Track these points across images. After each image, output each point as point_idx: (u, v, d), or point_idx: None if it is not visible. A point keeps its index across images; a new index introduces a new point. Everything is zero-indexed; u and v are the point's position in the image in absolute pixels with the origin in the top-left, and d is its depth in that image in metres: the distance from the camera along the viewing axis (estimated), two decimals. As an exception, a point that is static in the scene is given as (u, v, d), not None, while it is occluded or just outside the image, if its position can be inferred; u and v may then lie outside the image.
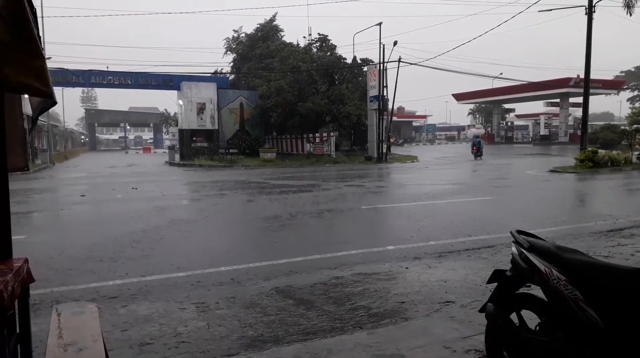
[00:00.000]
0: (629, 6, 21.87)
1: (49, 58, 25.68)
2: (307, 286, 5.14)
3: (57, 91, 40.12)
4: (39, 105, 2.76)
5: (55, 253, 6.85)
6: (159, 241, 7.65)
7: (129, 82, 34.59)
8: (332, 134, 31.50)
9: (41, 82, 2.07)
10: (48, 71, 2.13)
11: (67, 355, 2.23)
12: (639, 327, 2.15)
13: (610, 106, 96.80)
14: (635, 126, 24.20)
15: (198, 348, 3.69)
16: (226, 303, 4.69)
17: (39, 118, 3.02)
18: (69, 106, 60.46)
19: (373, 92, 30.37)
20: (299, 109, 31.04)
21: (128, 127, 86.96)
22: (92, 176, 22.44)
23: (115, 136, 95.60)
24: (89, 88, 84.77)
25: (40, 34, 2.26)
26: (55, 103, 2.46)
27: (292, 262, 6.12)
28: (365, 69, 33.65)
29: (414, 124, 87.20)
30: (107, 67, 33.77)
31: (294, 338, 3.82)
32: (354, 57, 35.36)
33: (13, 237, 2.59)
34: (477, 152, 30.56)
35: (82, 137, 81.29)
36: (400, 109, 70.62)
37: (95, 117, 78.24)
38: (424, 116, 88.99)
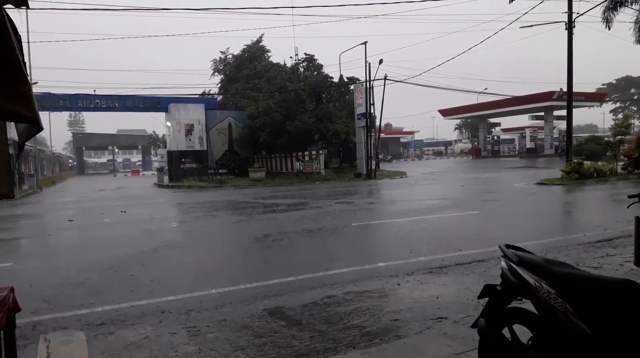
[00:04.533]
0: (607, 20, 22.38)
1: (35, 83, 25.57)
2: (298, 307, 5.10)
3: (44, 115, 39.94)
4: (25, 131, 2.75)
5: (43, 280, 6.74)
6: (148, 265, 7.56)
7: (117, 106, 34.51)
8: (320, 152, 31.60)
9: (27, 108, 2.07)
10: (34, 97, 2.13)
11: (54, 386, 2.18)
12: (628, 338, 2.16)
13: (594, 118, 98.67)
14: (619, 137, 24.59)
15: (189, 373, 3.63)
16: (217, 326, 4.63)
17: (25, 144, 3.00)
18: (56, 130, 60.14)
19: (360, 109, 30.64)
20: (288, 128, 31.15)
21: (116, 150, 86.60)
22: (80, 201, 22.22)
23: (103, 159, 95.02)
24: (76, 112, 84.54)
25: (26, 59, 2.27)
26: (41, 129, 2.46)
27: (283, 282, 6.08)
28: (352, 87, 33.99)
29: (402, 140, 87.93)
30: (95, 91, 33.71)
31: (287, 360, 3.78)
32: (341, 76, 35.72)
33: (-1, 266, 2.55)
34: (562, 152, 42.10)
35: (70, 161, 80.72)
36: (388, 125, 71.27)
37: (82, 141, 77.87)
38: (412, 132, 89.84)
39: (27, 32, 25.66)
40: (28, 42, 25.54)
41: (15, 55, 2.02)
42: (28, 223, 14.81)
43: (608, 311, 2.22)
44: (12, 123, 2.61)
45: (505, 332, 2.78)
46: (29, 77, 2.14)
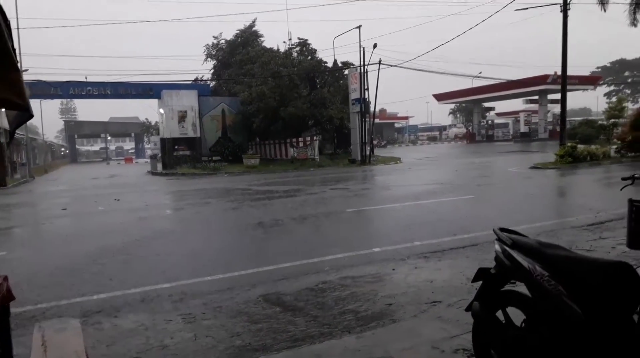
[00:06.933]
0: (602, 2, 22.30)
1: (25, 70, 25.27)
2: (294, 292, 5.12)
3: (35, 103, 39.56)
4: (15, 118, 2.73)
5: (37, 269, 6.73)
6: (142, 252, 7.56)
7: (109, 92, 34.15)
8: (315, 138, 31.51)
9: (17, 95, 2.04)
10: (24, 83, 2.11)
11: (50, 373, 2.18)
12: (619, 319, 2.18)
13: (588, 102, 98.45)
14: (613, 120, 24.59)
15: (186, 359, 3.65)
16: (213, 313, 4.65)
17: (17, 131, 2.97)
18: (47, 118, 59.56)
19: (355, 95, 30.50)
20: (282, 114, 31.00)
21: (109, 138, 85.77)
22: (73, 189, 22.10)
23: (96, 147, 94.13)
24: (68, 99, 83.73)
25: (16, 46, 2.23)
26: (32, 116, 2.43)
27: (278, 268, 6.10)
28: (346, 72, 33.76)
29: (396, 125, 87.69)
30: (86, 78, 33.33)
31: (283, 345, 3.81)
32: (335, 61, 35.46)
33: (-9, 255, 2.54)
34: None
35: (62, 149, 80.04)
36: (382, 111, 71.01)
37: (75, 129, 77.13)
38: (406, 117, 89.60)
39: (17, 18, 25.32)
40: (17, 28, 25.19)
41: (4, 41, 1.99)
42: (21, 211, 14.74)
43: (600, 292, 2.24)
44: (2, 111, 2.58)
45: (499, 315, 2.81)
46: (18, 64, 2.10)
